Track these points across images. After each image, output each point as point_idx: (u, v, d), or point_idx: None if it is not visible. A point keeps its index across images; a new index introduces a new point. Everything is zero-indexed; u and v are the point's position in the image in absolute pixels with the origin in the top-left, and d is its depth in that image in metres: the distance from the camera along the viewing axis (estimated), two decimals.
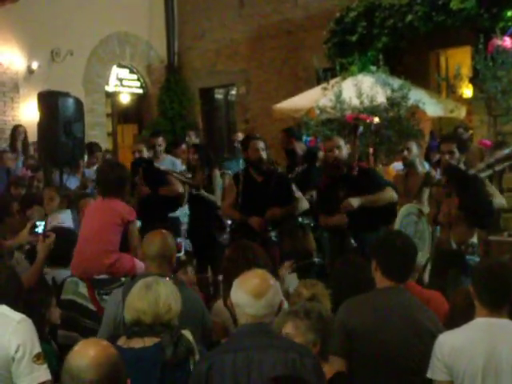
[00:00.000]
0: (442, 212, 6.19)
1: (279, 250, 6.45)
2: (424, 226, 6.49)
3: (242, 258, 4.43)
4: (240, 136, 11.41)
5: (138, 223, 6.72)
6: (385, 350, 3.68)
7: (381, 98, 10.93)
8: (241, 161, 9.99)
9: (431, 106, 11.34)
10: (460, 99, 12.25)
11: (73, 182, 9.00)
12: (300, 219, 6.86)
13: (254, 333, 3.18)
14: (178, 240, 7.76)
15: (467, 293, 3.68)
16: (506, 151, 7.22)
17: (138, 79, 16.42)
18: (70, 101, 8.16)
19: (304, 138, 9.88)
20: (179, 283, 4.07)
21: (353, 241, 6.13)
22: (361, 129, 8.77)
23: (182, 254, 7.90)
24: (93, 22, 14.52)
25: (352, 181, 6.33)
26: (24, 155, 10.82)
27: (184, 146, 9.98)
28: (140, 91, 16.51)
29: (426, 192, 6.95)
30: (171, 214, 8.23)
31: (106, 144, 14.26)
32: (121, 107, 16.34)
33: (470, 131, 11.27)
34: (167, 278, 3.91)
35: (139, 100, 16.57)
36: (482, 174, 6.41)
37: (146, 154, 8.38)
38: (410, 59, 12.37)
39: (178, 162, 9.22)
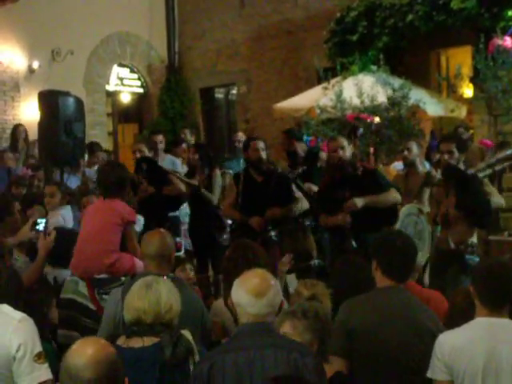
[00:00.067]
0: (440, 212, 6.21)
1: (279, 250, 6.45)
2: (424, 225, 6.49)
3: (241, 258, 4.43)
4: (240, 136, 11.39)
5: (142, 220, 6.72)
6: (385, 350, 3.68)
7: (381, 98, 10.94)
8: (241, 160, 9.98)
9: (432, 106, 11.34)
10: (461, 99, 12.25)
11: (73, 182, 8.99)
12: (300, 220, 6.86)
13: (255, 332, 3.18)
14: (178, 239, 7.77)
15: (467, 292, 3.69)
16: (509, 151, 7.24)
17: (139, 79, 16.41)
18: (71, 100, 8.15)
19: (304, 137, 9.87)
20: (178, 282, 4.07)
21: (354, 242, 6.11)
22: (361, 130, 8.77)
23: (181, 253, 7.91)
24: (93, 22, 14.52)
25: (356, 181, 6.32)
26: (25, 155, 10.82)
27: (184, 146, 9.98)
28: (141, 91, 16.50)
29: (427, 192, 6.95)
30: (171, 214, 8.24)
31: (106, 143, 14.26)
32: (121, 107, 16.33)
33: (471, 131, 11.27)
34: (165, 277, 3.90)
35: (140, 100, 16.56)
36: (481, 174, 6.42)
37: (146, 153, 8.38)
38: (410, 59, 12.37)
39: (178, 161, 9.22)
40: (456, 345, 3.42)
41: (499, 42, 9.94)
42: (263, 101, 14.66)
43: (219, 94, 16.78)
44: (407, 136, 10.15)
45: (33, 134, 10.15)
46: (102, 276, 5.37)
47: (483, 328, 3.44)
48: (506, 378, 3.35)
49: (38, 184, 8.87)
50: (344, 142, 6.55)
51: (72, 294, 5.30)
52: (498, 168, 7.17)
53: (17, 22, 13.35)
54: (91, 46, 15.01)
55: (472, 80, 10.96)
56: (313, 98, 11.81)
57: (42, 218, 5.60)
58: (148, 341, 3.47)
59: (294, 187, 6.97)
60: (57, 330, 5.00)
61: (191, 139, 11.40)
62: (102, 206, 5.70)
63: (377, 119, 10.68)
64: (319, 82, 12.39)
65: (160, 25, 16.37)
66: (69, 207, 6.98)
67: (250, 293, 3.19)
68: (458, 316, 3.73)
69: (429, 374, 3.50)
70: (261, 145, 6.89)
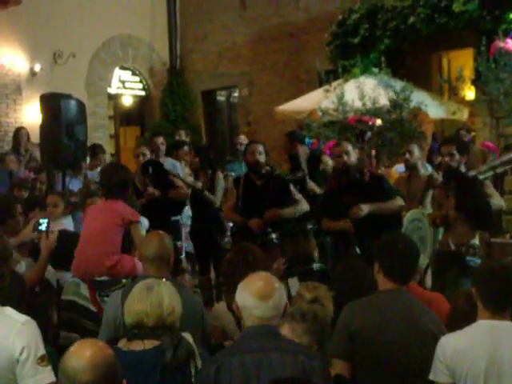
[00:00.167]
0: (440, 214, 6.21)
1: (281, 253, 6.44)
2: (426, 228, 6.49)
3: (241, 261, 4.42)
4: (242, 138, 11.39)
5: (146, 223, 6.70)
6: (387, 352, 3.68)
7: (383, 100, 10.94)
8: (243, 163, 10.00)
9: (433, 108, 11.34)
10: (462, 101, 12.25)
11: (75, 184, 8.98)
12: (302, 223, 6.86)
13: (261, 335, 3.18)
14: (179, 243, 7.78)
15: (469, 295, 3.69)
16: None
17: (141, 81, 16.43)
18: (73, 103, 8.15)
19: (306, 140, 9.88)
20: (178, 285, 4.05)
21: (357, 249, 6.10)
22: (369, 134, 8.75)
23: (182, 256, 7.92)
24: (95, 25, 14.56)
25: (362, 186, 6.32)
26: (28, 157, 10.81)
27: (186, 148, 9.98)
28: (142, 93, 16.52)
29: (429, 194, 6.95)
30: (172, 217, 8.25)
31: (108, 146, 14.27)
32: (123, 109, 16.36)
33: (473, 133, 11.26)
34: (164, 279, 3.88)
35: (142, 102, 16.58)
36: (481, 176, 6.42)
37: (148, 156, 8.38)
38: (412, 61, 12.37)
39: (178, 164, 9.21)
40: (458, 347, 3.42)
41: (501, 44, 9.96)
42: (265, 103, 14.67)
43: (221, 97, 16.79)
44: (409, 138, 10.15)
45: (35, 137, 10.16)
46: (104, 278, 5.36)
47: (485, 331, 3.44)
48: (508, 381, 3.34)
49: (41, 187, 8.86)
50: (348, 146, 6.54)
51: (73, 295, 5.29)
52: (499, 170, 7.18)
53: (19, 24, 13.38)
54: (93, 48, 15.04)
55: (474, 82, 10.97)
56: (314, 101, 11.81)
57: (43, 218, 5.58)
58: (149, 344, 3.46)
59: (294, 189, 6.96)
60: (56, 332, 5.00)
61: (186, 140, 11.39)
62: (104, 207, 5.71)
63: (378, 122, 10.68)
64: (321, 84, 12.39)
65: (162, 27, 16.38)
66: (70, 217, 6.98)
67: (256, 295, 3.19)
68: (460, 318, 3.73)
69: (431, 377, 3.50)
70: (258, 148, 6.85)
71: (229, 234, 7.64)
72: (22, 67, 13.81)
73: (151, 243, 4.41)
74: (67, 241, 5.49)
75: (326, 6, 13.75)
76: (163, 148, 8.82)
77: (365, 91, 10.93)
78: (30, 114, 13.37)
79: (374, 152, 10.39)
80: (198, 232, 8.05)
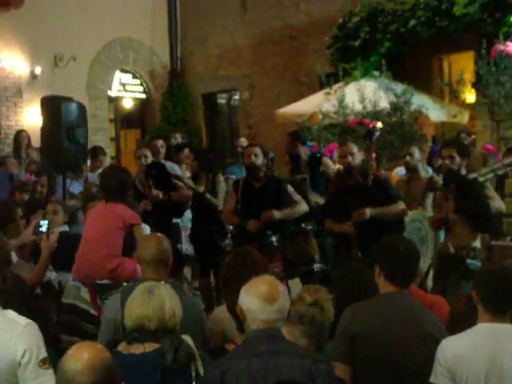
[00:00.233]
0: (440, 216, 6.21)
1: (282, 257, 6.44)
2: (426, 230, 6.49)
3: (240, 265, 4.41)
4: (243, 141, 11.39)
5: (148, 229, 6.70)
6: (388, 354, 3.68)
7: (384, 103, 10.95)
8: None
9: (434, 111, 11.36)
10: (463, 104, 12.26)
11: (76, 187, 8.99)
12: (303, 224, 6.86)
13: (266, 338, 3.16)
14: (178, 246, 7.78)
15: (469, 297, 3.69)
16: None
17: (141, 84, 16.44)
18: (73, 106, 8.14)
19: (307, 142, 9.88)
20: (177, 288, 4.03)
21: (359, 253, 6.10)
22: (377, 134, 8.70)
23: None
24: (96, 28, 14.56)
25: (365, 189, 6.32)
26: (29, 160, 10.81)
27: (187, 151, 9.98)
28: (143, 96, 16.52)
29: (430, 197, 6.95)
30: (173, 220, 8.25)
31: (108, 149, 14.27)
32: (124, 112, 16.36)
33: (473, 136, 11.27)
34: (162, 282, 3.87)
35: (142, 105, 16.59)
36: (481, 178, 6.42)
37: (150, 158, 8.38)
38: (412, 64, 12.38)
39: (177, 167, 9.22)
40: (458, 350, 3.42)
41: (501, 47, 9.97)
42: (265, 106, 14.69)
43: (221, 100, 16.79)
44: (409, 141, 10.15)
45: (35, 140, 10.15)
46: (104, 281, 5.36)
47: (486, 334, 3.43)
48: None
49: (41, 190, 8.87)
50: (354, 148, 6.54)
51: (74, 299, 5.29)
52: (500, 173, 7.18)
53: (19, 27, 13.39)
54: (93, 51, 15.04)
55: (474, 85, 10.98)
56: (315, 104, 11.83)
57: (44, 219, 5.57)
58: (149, 347, 3.45)
59: (293, 190, 6.95)
60: (57, 335, 4.99)
61: (183, 142, 11.37)
62: (104, 210, 5.71)
63: (379, 124, 10.68)
64: (321, 87, 12.41)
65: (162, 30, 16.40)
66: (66, 227, 6.96)
67: (261, 299, 3.18)
68: (460, 321, 3.73)
69: (431, 380, 3.49)
70: (254, 151, 6.85)
71: (229, 236, 7.64)
72: (22, 70, 13.81)
73: (149, 246, 4.38)
74: (68, 242, 5.49)
75: (327, 9, 13.77)
76: (163, 151, 8.82)
77: (365, 94, 10.95)
78: (30, 117, 13.36)
79: (374, 155, 10.39)
80: (199, 234, 8.05)
